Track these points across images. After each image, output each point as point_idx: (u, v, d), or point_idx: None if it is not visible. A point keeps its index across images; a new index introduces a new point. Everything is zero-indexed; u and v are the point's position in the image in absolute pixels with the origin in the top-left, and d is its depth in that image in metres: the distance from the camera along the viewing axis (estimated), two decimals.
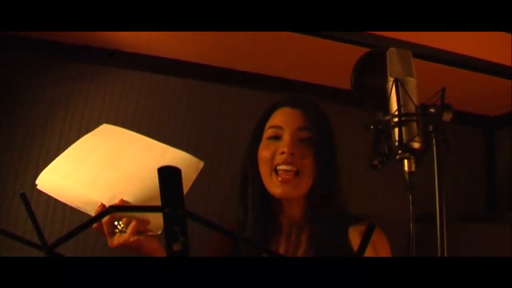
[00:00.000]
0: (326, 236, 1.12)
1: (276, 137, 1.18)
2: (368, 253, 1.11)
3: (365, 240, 0.56)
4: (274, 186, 1.14)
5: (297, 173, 1.13)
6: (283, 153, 1.13)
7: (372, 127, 0.89)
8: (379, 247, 1.12)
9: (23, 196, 0.63)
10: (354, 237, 1.12)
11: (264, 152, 1.17)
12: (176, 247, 0.52)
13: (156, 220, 1.02)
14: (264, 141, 1.20)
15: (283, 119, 1.19)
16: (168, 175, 0.50)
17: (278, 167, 1.13)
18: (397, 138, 0.84)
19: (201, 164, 1.08)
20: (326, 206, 1.15)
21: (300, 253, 1.16)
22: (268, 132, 1.20)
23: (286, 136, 1.15)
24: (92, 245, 1.69)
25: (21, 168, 1.72)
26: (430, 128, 0.84)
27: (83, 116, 1.83)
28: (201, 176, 1.89)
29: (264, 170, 1.17)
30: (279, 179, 1.13)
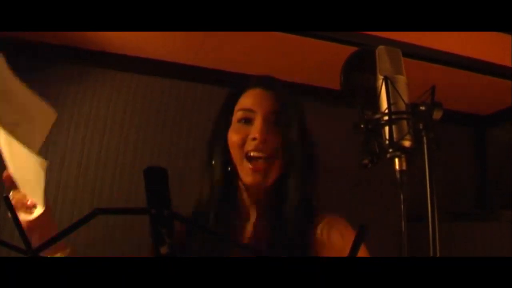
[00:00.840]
0: (290, 224, 1.06)
1: (247, 120, 1.11)
2: (336, 242, 1.06)
3: (358, 240, 0.55)
4: (245, 174, 1.08)
5: (268, 159, 1.07)
6: (254, 139, 1.07)
7: (362, 126, 0.88)
8: (347, 236, 1.06)
9: (6, 200, 0.62)
10: (322, 226, 1.07)
11: (234, 137, 1.11)
12: (163, 250, 0.51)
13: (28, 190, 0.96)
14: (234, 123, 1.13)
15: (254, 102, 1.11)
16: (154, 176, 0.49)
17: (250, 154, 1.07)
18: (387, 136, 0.84)
19: (55, 114, 0.98)
20: (293, 195, 1.08)
21: (258, 237, 1.10)
22: (238, 115, 1.12)
23: (258, 120, 1.08)
24: (83, 245, 1.67)
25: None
26: (421, 126, 0.83)
27: (72, 118, 1.82)
28: (192, 174, 1.89)
29: (235, 155, 1.11)
30: (251, 166, 1.07)
